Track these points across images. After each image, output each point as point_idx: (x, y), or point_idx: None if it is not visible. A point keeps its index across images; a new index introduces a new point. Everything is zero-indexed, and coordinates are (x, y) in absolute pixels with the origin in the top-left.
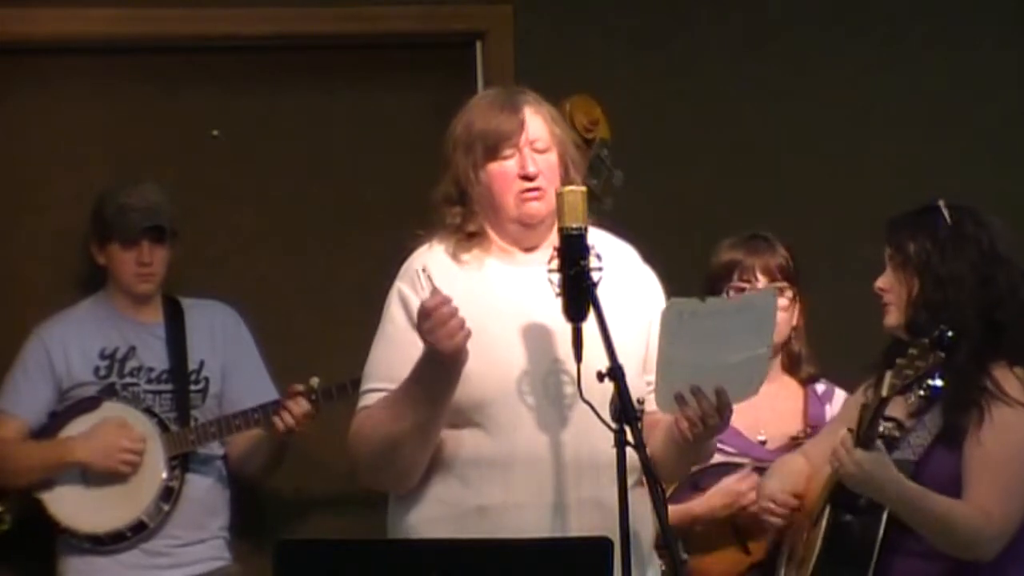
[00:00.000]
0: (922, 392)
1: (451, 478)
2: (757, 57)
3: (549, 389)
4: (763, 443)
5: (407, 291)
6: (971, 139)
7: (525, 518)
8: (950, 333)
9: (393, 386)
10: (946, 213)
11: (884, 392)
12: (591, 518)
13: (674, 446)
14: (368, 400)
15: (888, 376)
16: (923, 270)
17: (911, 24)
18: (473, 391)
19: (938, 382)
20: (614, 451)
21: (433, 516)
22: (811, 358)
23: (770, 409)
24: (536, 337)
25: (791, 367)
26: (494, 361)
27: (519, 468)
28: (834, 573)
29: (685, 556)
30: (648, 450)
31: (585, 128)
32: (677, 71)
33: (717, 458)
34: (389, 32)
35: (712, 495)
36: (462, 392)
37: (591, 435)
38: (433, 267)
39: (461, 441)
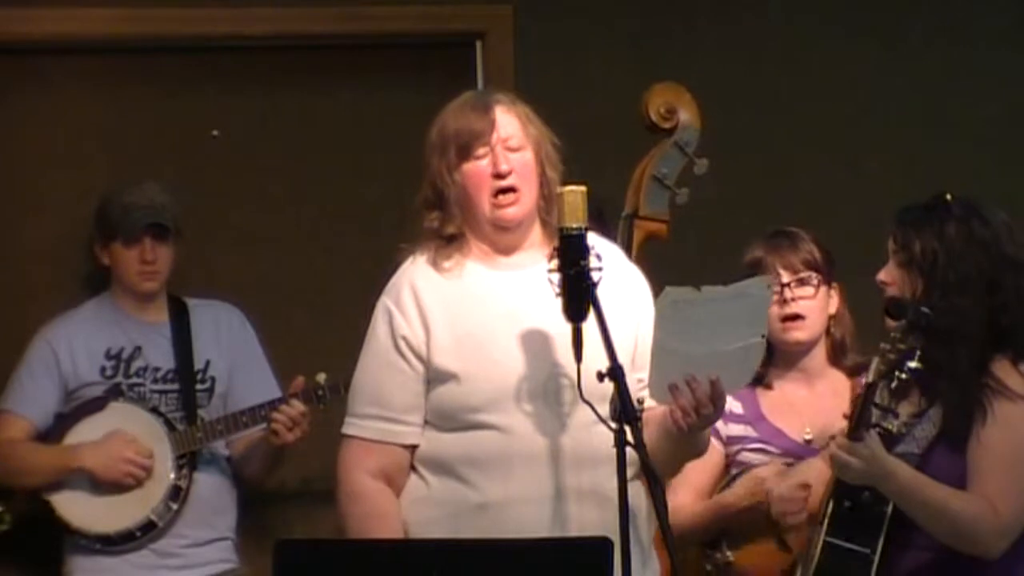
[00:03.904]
0: (903, 375)
1: (451, 479)
2: (757, 57)
3: (548, 391)
4: (808, 442)
5: (393, 308)
6: (972, 139)
7: (526, 514)
8: (926, 310)
9: (379, 410)
10: (954, 209)
11: (870, 377)
12: (592, 512)
13: (668, 438)
14: (356, 427)
15: (875, 362)
16: (929, 272)
17: (911, 23)
18: (470, 396)
19: (915, 363)
20: (613, 450)
21: (433, 516)
22: (855, 345)
23: (817, 407)
24: (530, 340)
25: (835, 356)
26: (491, 365)
27: (520, 465)
28: (839, 568)
29: (730, 556)
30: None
31: (661, 116)
32: (677, 71)
33: (761, 459)
34: (389, 32)
35: (737, 483)
36: (459, 397)
37: (591, 434)
38: (419, 281)
39: (460, 443)
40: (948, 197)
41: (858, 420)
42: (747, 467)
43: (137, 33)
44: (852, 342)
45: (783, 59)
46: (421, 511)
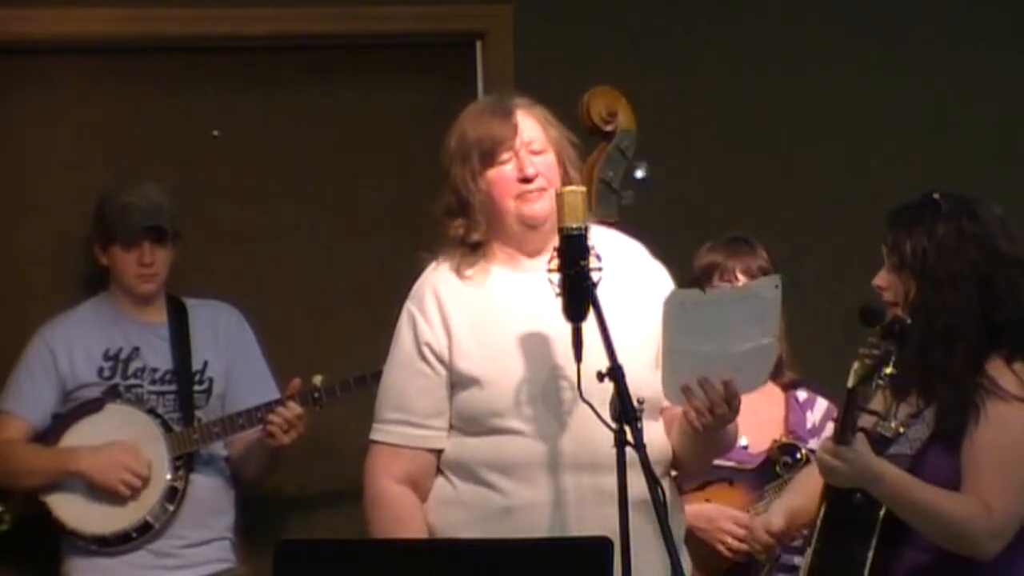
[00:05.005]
0: (880, 381)
1: (476, 482)
2: (757, 57)
3: (550, 394)
4: (744, 448)
5: (416, 314)
6: (972, 139)
7: (551, 516)
8: (909, 320)
9: (403, 416)
10: (943, 207)
11: (850, 382)
12: (609, 510)
13: (687, 438)
14: (381, 432)
15: (854, 366)
16: (920, 271)
17: (912, 24)
18: (493, 401)
19: (889, 369)
20: (627, 449)
21: (460, 519)
22: (792, 362)
23: (751, 415)
24: (551, 344)
25: (773, 372)
26: (512, 370)
27: (543, 468)
28: (831, 571)
29: None
30: (671, 446)
31: (603, 120)
32: (677, 71)
33: None
34: (389, 32)
35: (702, 513)
36: (482, 401)
37: (592, 434)
38: (441, 287)
39: (484, 447)
40: (936, 196)
41: (843, 424)
42: None
43: (137, 33)
44: (788, 360)
45: (783, 59)
46: (449, 514)
